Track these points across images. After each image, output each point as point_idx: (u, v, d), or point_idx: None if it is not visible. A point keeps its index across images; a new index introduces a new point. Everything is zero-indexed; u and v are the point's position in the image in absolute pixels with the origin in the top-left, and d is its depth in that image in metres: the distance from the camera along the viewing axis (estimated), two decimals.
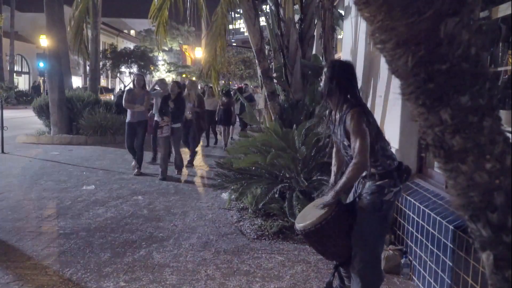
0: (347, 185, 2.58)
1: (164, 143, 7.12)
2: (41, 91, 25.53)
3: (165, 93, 7.28)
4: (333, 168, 2.90)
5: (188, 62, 46.23)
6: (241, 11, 6.36)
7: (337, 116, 2.66)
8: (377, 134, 2.62)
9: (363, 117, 2.51)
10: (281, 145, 4.89)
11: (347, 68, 2.69)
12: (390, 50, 1.13)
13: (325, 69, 2.71)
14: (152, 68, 33.50)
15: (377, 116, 4.30)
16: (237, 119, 12.07)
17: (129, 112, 7.31)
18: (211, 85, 10.11)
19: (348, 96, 2.61)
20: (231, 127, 11.26)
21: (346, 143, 2.61)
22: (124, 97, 7.31)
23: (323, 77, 2.68)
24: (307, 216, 2.69)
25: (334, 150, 2.92)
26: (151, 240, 4.27)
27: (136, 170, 7.33)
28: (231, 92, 12.11)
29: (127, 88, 7.68)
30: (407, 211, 3.54)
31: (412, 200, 3.44)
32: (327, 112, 2.96)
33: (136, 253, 3.91)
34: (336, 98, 2.62)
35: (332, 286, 2.91)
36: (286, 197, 4.70)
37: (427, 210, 3.15)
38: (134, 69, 30.84)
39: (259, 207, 4.79)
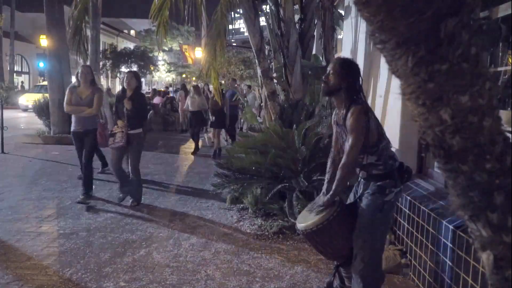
0: (340, 186, 2.60)
1: (116, 155, 5.33)
2: None
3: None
4: (327, 176, 2.84)
5: (189, 62, 46.17)
6: (241, 11, 6.36)
7: (341, 115, 2.65)
8: (380, 134, 2.61)
9: (364, 117, 2.51)
10: (281, 145, 4.89)
11: (357, 67, 2.71)
12: (390, 50, 1.13)
13: (333, 66, 2.65)
14: (152, 68, 33.52)
15: (377, 116, 4.28)
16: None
17: (73, 118, 5.51)
18: (194, 83, 9.81)
19: (354, 95, 2.61)
20: (223, 130, 9.88)
21: None
22: (65, 98, 5.45)
23: (333, 74, 2.63)
24: (309, 216, 2.69)
25: (330, 155, 2.85)
26: (151, 240, 4.27)
27: (82, 196, 5.35)
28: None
29: (70, 85, 5.90)
30: (407, 211, 3.54)
31: (412, 200, 3.44)
32: (327, 112, 2.95)
33: (136, 253, 3.91)
34: (345, 96, 2.61)
35: (332, 286, 2.91)
36: (286, 197, 4.70)
37: (427, 210, 3.15)
38: (134, 69, 30.88)
39: (259, 207, 4.79)
